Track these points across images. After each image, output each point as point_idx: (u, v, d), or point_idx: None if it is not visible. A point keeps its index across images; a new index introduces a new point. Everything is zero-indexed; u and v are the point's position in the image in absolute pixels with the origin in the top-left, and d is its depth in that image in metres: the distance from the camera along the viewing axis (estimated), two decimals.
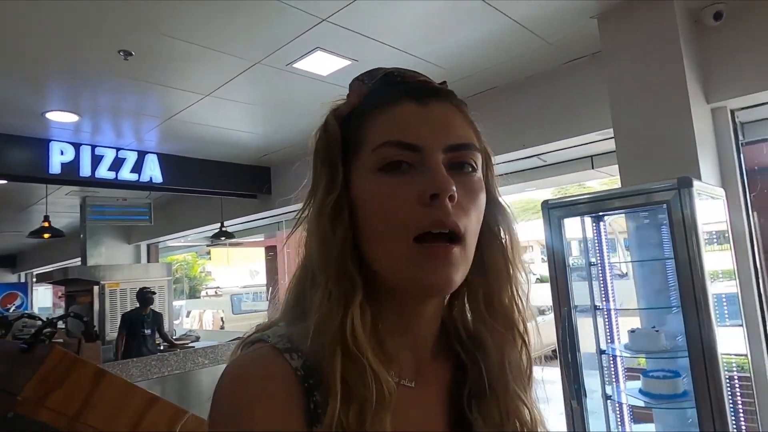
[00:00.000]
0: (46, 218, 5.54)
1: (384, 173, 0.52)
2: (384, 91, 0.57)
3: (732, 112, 2.81)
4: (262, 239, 9.18)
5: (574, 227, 2.47)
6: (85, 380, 1.28)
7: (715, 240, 2.30)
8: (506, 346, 0.59)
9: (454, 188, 0.50)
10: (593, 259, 2.37)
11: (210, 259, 14.50)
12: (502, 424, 0.58)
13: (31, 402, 1.07)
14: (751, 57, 2.58)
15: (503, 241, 0.60)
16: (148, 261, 8.48)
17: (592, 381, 2.29)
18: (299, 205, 0.58)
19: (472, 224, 0.53)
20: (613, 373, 2.41)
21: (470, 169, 0.54)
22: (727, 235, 2.29)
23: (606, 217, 2.46)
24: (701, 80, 2.68)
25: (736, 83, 2.64)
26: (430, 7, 2.53)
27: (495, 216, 0.59)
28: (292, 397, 0.48)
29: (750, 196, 2.70)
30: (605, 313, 2.35)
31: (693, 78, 2.57)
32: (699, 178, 2.37)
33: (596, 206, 2.18)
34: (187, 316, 11.57)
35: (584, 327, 2.26)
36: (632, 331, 2.19)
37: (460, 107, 0.57)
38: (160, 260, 8.81)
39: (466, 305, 0.61)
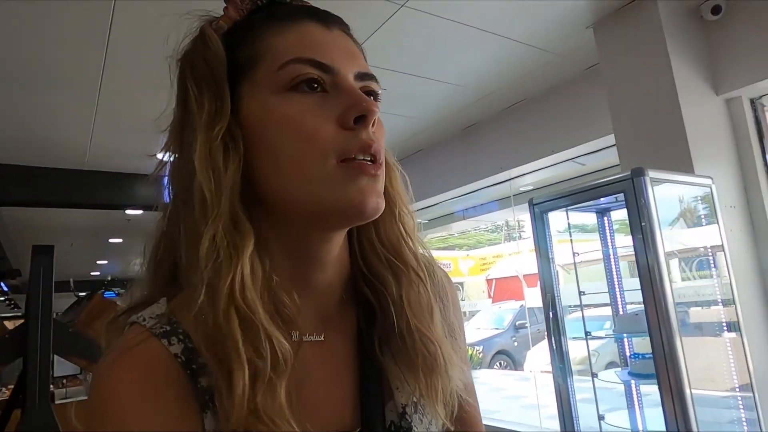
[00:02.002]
0: None
1: (296, 92, 0.46)
2: (278, 7, 0.52)
3: (752, 101, 2.79)
4: None
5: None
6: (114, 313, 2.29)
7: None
8: (403, 282, 0.55)
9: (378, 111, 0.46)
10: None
11: None
12: (411, 363, 0.53)
13: (83, 324, 1.81)
14: (760, 43, 2.57)
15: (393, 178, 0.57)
16: None
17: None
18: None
19: (383, 158, 0.49)
20: (620, 355, 2.56)
21: (377, 100, 0.50)
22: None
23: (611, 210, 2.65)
24: (708, 74, 2.72)
25: (746, 72, 2.64)
26: (434, 36, 2.88)
27: None
28: (177, 388, 0.43)
29: None
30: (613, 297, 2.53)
31: (692, 73, 2.64)
32: (692, 172, 2.43)
33: (575, 198, 2.36)
34: None
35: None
36: (616, 315, 2.34)
37: (356, 40, 0.54)
38: None
39: (362, 244, 0.57)
